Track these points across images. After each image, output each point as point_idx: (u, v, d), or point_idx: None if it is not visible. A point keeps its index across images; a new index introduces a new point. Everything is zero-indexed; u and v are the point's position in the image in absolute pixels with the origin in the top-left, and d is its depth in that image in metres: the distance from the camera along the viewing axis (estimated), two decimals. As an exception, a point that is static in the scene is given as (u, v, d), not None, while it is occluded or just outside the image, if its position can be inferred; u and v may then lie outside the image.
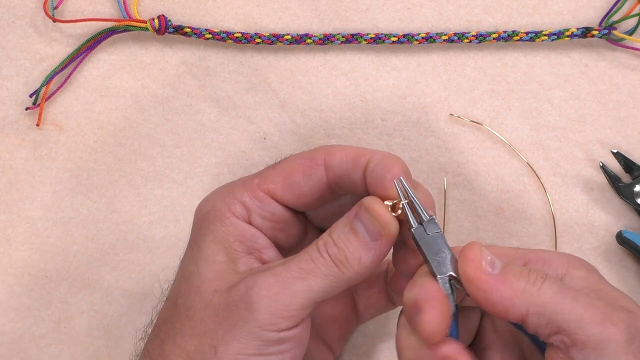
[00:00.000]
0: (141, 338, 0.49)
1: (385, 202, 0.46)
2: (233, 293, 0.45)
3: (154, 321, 0.48)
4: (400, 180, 0.45)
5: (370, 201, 0.46)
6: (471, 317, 0.49)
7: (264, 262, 0.47)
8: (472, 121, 0.58)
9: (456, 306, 0.45)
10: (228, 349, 0.44)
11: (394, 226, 0.46)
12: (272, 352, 0.44)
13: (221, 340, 0.44)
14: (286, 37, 0.58)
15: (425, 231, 0.45)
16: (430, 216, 0.45)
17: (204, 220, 0.48)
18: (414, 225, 0.45)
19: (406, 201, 0.46)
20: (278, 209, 0.49)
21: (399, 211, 0.46)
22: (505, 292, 0.43)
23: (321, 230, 0.49)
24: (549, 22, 0.59)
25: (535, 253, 0.47)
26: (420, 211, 0.45)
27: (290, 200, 0.49)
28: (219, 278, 0.46)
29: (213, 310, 0.45)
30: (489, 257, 0.44)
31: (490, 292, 0.43)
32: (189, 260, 0.47)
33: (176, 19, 0.59)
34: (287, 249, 0.50)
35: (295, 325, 0.45)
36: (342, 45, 0.59)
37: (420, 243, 0.45)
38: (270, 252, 0.48)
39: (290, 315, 0.44)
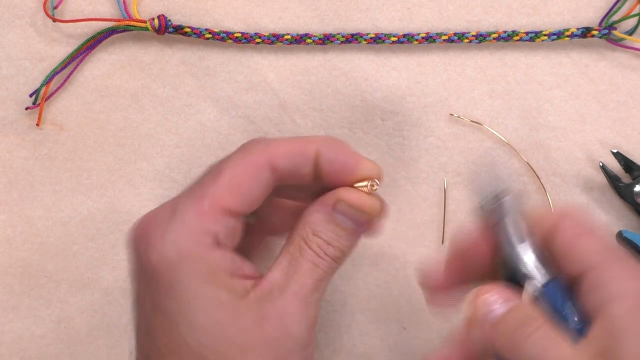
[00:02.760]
0: None
1: (359, 186, 0.46)
2: (267, 327, 0.44)
3: None
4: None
5: (349, 195, 0.46)
6: None
7: (248, 277, 0.45)
8: (472, 121, 0.58)
9: None
10: None
11: (378, 206, 0.47)
12: None
13: None
14: (286, 37, 0.58)
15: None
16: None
17: (180, 264, 0.44)
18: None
19: (377, 183, 0.46)
20: (234, 222, 0.46)
21: (376, 188, 0.46)
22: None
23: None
24: (549, 22, 0.59)
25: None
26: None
27: (243, 211, 0.46)
28: (237, 315, 0.44)
29: (254, 353, 0.44)
30: (497, 296, 0.42)
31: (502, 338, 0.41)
32: (190, 310, 0.44)
33: (176, 18, 0.59)
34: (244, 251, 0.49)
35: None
36: (342, 45, 0.59)
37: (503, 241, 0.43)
38: (248, 265, 0.46)
39: (314, 326, 0.46)
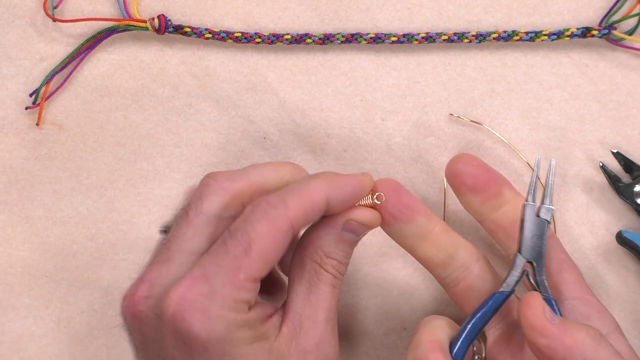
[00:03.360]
0: None
1: (363, 203, 0.49)
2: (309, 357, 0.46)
3: None
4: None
5: (358, 215, 0.48)
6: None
7: (272, 315, 0.47)
8: (472, 121, 0.58)
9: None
10: None
11: (379, 217, 0.49)
12: None
13: None
14: (286, 36, 0.58)
15: (538, 214, 0.48)
16: (550, 206, 0.48)
17: (229, 340, 0.44)
18: (529, 201, 0.48)
19: (383, 196, 0.49)
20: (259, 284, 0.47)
21: (379, 202, 0.48)
22: (567, 342, 0.44)
23: None
24: (549, 22, 0.59)
25: (587, 305, 0.49)
26: (545, 196, 0.49)
27: (267, 272, 0.47)
28: (285, 358, 0.46)
29: None
30: (549, 309, 0.46)
31: (553, 339, 0.44)
32: None
33: (176, 18, 0.59)
34: None
35: None
36: (342, 45, 0.59)
37: (525, 220, 0.48)
38: (263, 304, 0.47)
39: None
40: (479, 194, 0.51)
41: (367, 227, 0.48)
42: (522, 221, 0.48)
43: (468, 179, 0.51)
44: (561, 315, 0.47)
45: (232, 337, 0.44)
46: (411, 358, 0.46)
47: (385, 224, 0.49)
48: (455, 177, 0.51)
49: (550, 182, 0.49)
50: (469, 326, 0.47)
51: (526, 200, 0.48)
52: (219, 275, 0.44)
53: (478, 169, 0.51)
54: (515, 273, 0.48)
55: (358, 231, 0.48)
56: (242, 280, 0.44)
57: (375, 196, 0.48)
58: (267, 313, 0.46)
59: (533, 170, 0.49)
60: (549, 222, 0.48)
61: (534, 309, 0.45)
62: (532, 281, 0.48)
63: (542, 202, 0.49)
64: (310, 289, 0.47)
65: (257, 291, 0.45)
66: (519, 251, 0.48)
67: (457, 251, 0.49)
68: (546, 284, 0.48)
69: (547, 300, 0.47)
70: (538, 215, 0.48)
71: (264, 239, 0.44)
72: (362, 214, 0.48)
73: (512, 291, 0.48)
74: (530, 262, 0.48)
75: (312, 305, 0.47)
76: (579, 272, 0.51)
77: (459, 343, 0.47)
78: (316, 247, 0.47)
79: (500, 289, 0.48)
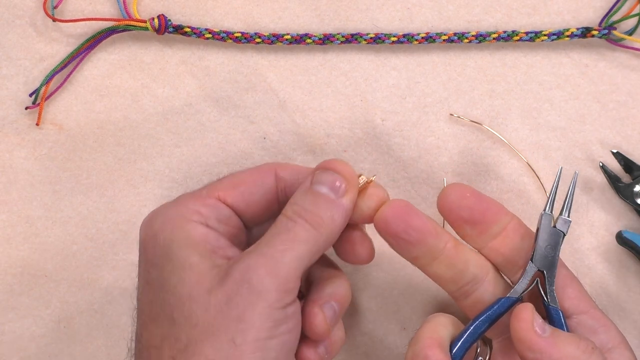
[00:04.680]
0: None
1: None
2: (229, 283, 0.44)
3: (147, 346, 0.46)
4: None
5: (328, 161, 0.47)
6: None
7: (231, 259, 0.47)
8: (472, 121, 0.58)
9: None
10: (246, 337, 0.43)
11: (356, 178, 0.48)
12: (282, 331, 0.44)
13: (236, 331, 0.43)
14: (286, 37, 0.58)
15: (554, 225, 0.49)
16: (568, 218, 0.49)
17: (161, 233, 0.47)
18: (547, 211, 0.48)
19: (374, 176, 0.49)
20: (231, 213, 0.49)
21: (362, 181, 0.48)
22: (555, 355, 0.44)
23: None
24: (549, 22, 0.59)
25: (593, 318, 0.49)
26: (564, 208, 0.49)
27: (241, 207, 0.49)
28: (205, 277, 0.45)
29: (216, 308, 0.44)
30: (540, 320, 0.45)
31: (540, 353, 0.44)
32: (162, 275, 0.46)
33: (176, 18, 0.59)
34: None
35: (294, 300, 0.45)
36: (342, 45, 0.59)
37: (540, 229, 0.48)
38: (234, 249, 0.47)
39: (290, 287, 0.44)
40: (476, 226, 0.49)
41: (339, 176, 0.47)
42: (538, 230, 0.48)
43: (463, 212, 0.49)
44: (567, 327, 0.47)
45: (163, 235, 0.47)
46: (410, 353, 0.46)
47: (395, 247, 0.48)
48: (450, 212, 0.49)
49: (570, 193, 0.49)
50: (472, 327, 0.47)
51: (544, 210, 0.48)
52: (192, 193, 0.50)
53: (472, 200, 0.49)
54: (525, 281, 0.48)
55: (326, 181, 0.47)
56: (201, 195, 0.48)
57: (360, 178, 0.48)
58: (227, 254, 0.46)
59: (555, 181, 0.49)
60: (565, 234, 0.48)
61: (523, 322, 0.45)
62: (541, 290, 0.48)
63: (561, 213, 0.49)
64: (269, 237, 0.46)
65: (224, 216, 0.48)
66: (531, 259, 0.48)
67: (468, 267, 0.49)
68: (555, 294, 0.48)
69: (553, 312, 0.47)
70: (554, 226, 0.48)
71: (241, 172, 0.50)
72: (330, 161, 0.47)
73: (519, 298, 0.48)
74: (542, 272, 0.48)
75: (257, 244, 0.46)
76: (581, 285, 0.50)
77: (459, 343, 0.47)
78: (287, 204, 0.47)
79: (508, 295, 0.48)
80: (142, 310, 0.47)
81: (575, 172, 0.50)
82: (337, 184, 0.47)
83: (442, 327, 0.47)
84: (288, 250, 0.45)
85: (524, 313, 0.45)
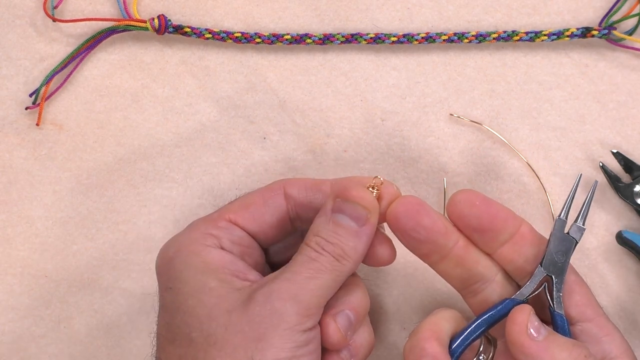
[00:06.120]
0: None
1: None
2: (253, 306, 0.45)
3: None
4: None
5: (347, 190, 0.47)
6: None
7: (251, 282, 0.47)
8: (472, 121, 0.58)
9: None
10: (265, 355, 0.43)
11: (376, 204, 0.48)
12: (302, 354, 0.45)
13: (255, 350, 0.43)
14: (286, 37, 0.58)
15: (568, 232, 0.48)
16: (583, 225, 0.48)
17: (176, 258, 0.47)
18: (562, 215, 0.48)
19: (381, 179, 0.48)
20: (244, 234, 0.49)
21: (376, 190, 0.48)
22: None
23: (276, 266, 0.50)
24: (549, 22, 0.59)
25: (600, 327, 0.48)
26: (580, 216, 0.49)
27: (253, 228, 0.49)
28: (224, 300, 0.45)
29: (236, 327, 0.44)
30: (536, 323, 0.45)
31: (532, 357, 0.44)
32: (180, 298, 0.46)
33: (176, 18, 0.59)
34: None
35: (315, 326, 0.46)
36: (342, 45, 0.59)
37: (553, 234, 0.48)
38: (254, 273, 0.48)
39: (311, 314, 0.45)
40: (484, 234, 0.49)
41: (360, 207, 0.47)
42: (551, 235, 0.48)
43: (472, 220, 0.48)
44: (570, 334, 0.47)
45: (178, 260, 0.47)
46: (408, 344, 0.46)
47: (404, 243, 0.49)
48: (458, 220, 0.49)
49: (588, 201, 0.49)
50: (473, 325, 0.47)
51: (559, 215, 0.48)
52: (204, 217, 0.50)
53: (480, 208, 0.48)
54: (532, 284, 0.48)
55: (349, 212, 0.47)
56: (213, 218, 0.49)
57: (370, 187, 0.48)
58: (247, 276, 0.47)
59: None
60: (577, 242, 0.48)
61: (516, 325, 0.45)
62: (547, 296, 0.48)
63: (575, 221, 0.48)
64: (294, 265, 0.46)
65: (237, 237, 0.49)
66: (541, 264, 0.48)
67: (477, 267, 0.49)
68: (562, 300, 0.48)
69: (558, 318, 0.47)
70: (567, 233, 0.48)
71: (252, 194, 0.51)
72: (349, 190, 0.47)
73: (524, 300, 0.47)
74: (550, 277, 0.48)
75: (281, 270, 0.46)
76: (590, 291, 0.50)
77: (459, 339, 0.47)
78: (309, 231, 0.47)
79: (513, 297, 0.48)
80: (160, 333, 0.47)
81: (595, 181, 0.50)
82: (359, 214, 0.47)
83: (444, 321, 0.47)
84: (312, 278, 0.45)
85: (518, 316, 0.45)
